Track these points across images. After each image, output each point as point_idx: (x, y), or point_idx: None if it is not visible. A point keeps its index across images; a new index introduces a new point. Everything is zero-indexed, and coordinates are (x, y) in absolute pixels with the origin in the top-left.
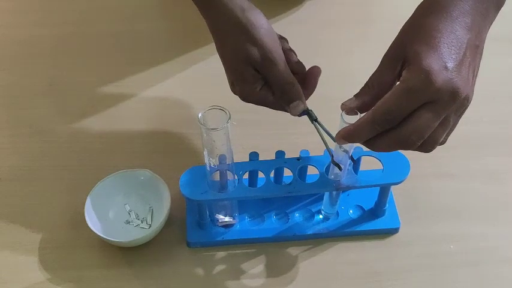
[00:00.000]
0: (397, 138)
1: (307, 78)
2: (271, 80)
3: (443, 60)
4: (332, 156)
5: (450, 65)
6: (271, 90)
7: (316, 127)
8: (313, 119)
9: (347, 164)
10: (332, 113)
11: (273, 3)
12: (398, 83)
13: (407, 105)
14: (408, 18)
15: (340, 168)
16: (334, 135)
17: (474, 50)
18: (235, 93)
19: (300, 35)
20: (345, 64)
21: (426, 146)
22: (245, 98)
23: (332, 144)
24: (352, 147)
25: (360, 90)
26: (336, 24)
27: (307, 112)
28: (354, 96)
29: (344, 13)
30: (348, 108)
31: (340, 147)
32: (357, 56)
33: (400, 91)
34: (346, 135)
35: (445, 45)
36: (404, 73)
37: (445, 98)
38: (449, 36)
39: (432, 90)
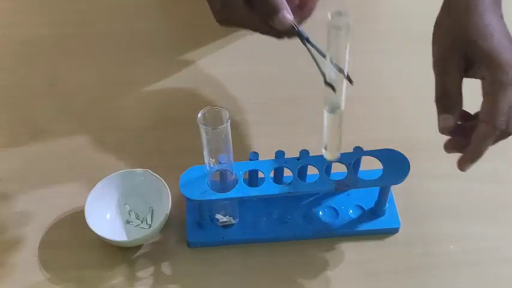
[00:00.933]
0: (503, 133)
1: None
2: None
3: (508, 47)
4: (325, 76)
5: None
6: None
7: (307, 48)
8: (304, 39)
9: (343, 85)
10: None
11: None
12: (486, 83)
13: (509, 100)
14: (436, 19)
15: (334, 90)
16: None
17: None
18: (215, 13)
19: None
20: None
21: None
22: (226, 16)
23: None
24: (346, 64)
25: (440, 105)
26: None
27: (297, 31)
28: (441, 113)
29: None
30: (450, 127)
31: (334, 65)
32: (358, 56)
33: (500, 91)
34: (473, 157)
35: (502, 35)
36: (487, 73)
37: None
38: (499, 27)
39: None
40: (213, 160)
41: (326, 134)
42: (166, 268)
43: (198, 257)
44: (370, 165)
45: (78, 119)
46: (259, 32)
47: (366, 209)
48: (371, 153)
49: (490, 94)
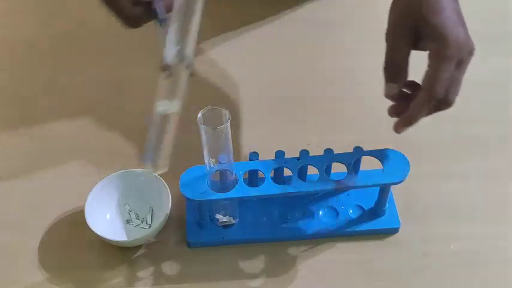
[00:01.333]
0: (443, 103)
1: None
2: None
3: (457, 25)
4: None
5: (462, 27)
6: None
7: (159, 30)
8: (160, 20)
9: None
10: (335, 112)
11: (273, 2)
12: (431, 55)
13: (450, 73)
14: None
15: (167, 71)
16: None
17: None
18: None
19: (300, 34)
20: (346, 64)
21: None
22: None
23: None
24: (191, 52)
25: (387, 74)
26: (336, 25)
27: (154, 12)
28: (387, 82)
29: (344, 13)
30: (394, 95)
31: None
32: (358, 56)
33: (442, 63)
34: (409, 121)
35: (453, 11)
36: (433, 46)
37: (467, 56)
38: (450, 4)
39: (462, 53)
40: (213, 160)
41: (153, 137)
42: (166, 268)
43: (198, 257)
44: (370, 165)
45: (77, 118)
46: (117, 10)
47: (365, 209)
48: (371, 153)
49: (433, 65)
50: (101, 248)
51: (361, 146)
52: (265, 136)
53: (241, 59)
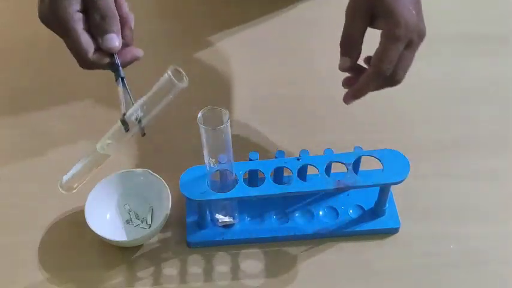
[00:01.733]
0: (390, 80)
1: (125, 50)
2: (95, 2)
3: (410, 9)
4: (124, 114)
5: (415, 11)
6: (89, 20)
7: (119, 86)
8: (120, 77)
9: (129, 135)
10: (335, 112)
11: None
12: (383, 34)
13: (398, 52)
14: None
15: (126, 130)
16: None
17: None
18: (40, 11)
19: (300, 33)
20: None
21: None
22: (50, 11)
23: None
24: (147, 120)
25: (342, 48)
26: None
27: (115, 64)
28: (342, 55)
29: (341, 12)
30: (347, 68)
31: (137, 118)
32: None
33: (391, 42)
34: (356, 93)
35: None
36: (385, 25)
37: (417, 39)
38: None
39: (411, 34)
40: (213, 160)
41: (79, 165)
42: (166, 268)
43: (198, 257)
44: (370, 165)
45: (77, 118)
46: (71, 49)
47: (366, 209)
48: (371, 153)
49: (383, 43)
50: (101, 248)
51: (361, 146)
52: (265, 136)
53: (241, 58)
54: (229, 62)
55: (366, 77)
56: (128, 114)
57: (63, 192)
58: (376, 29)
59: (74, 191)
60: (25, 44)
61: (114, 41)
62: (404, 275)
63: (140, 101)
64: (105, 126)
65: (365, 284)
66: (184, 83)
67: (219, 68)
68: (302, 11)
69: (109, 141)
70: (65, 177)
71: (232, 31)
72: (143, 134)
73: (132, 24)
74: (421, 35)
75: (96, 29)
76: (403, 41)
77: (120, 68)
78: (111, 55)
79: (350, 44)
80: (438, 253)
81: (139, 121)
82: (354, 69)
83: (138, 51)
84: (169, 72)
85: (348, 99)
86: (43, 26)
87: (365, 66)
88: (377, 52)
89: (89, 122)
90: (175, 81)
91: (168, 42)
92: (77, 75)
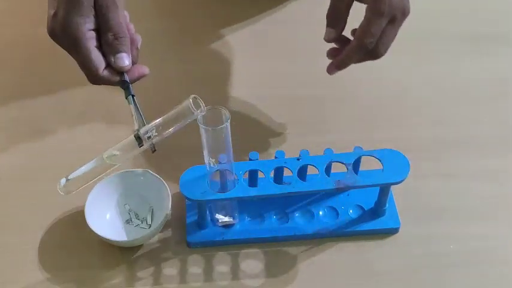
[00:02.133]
0: (372, 54)
1: (133, 67)
2: (109, 22)
3: None
4: (138, 130)
5: None
6: (101, 39)
7: (129, 103)
8: (130, 94)
9: (138, 149)
10: (335, 112)
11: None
12: (367, 9)
13: (381, 27)
14: None
15: (139, 145)
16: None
17: None
18: (51, 27)
19: (300, 32)
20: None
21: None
22: (65, 30)
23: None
24: (159, 139)
25: (328, 20)
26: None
27: (126, 82)
28: (328, 27)
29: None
30: (332, 39)
31: (149, 136)
32: None
33: (375, 17)
34: (339, 64)
35: None
36: (369, 1)
37: (400, 16)
38: None
39: (394, 11)
40: (213, 160)
41: (82, 170)
42: (166, 268)
43: (198, 257)
44: (370, 165)
45: (77, 117)
46: (82, 65)
47: (366, 209)
48: (371, 153)
49: (367, 18)
50: (101, 248)
51: (360, 145)
52: (265, 136)
53: (241, 57)
54: (229, 61)
55: (349, 49)
56: (142, 131)
57: (61, 193)
58: (362, 3)
59: (73, 193)
60: (25, 43)
61: (125, 60)
62: (404, 275)
63: (157, 122)
64: (106, 126)
65: (365, 284)
66: (202, 112)
67: (218, 67)
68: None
69: (116, 153)
70: (65, 180)
71: (231, 29)
72: (154, 151)
73: (139, 44)
74: (405, 12)
75: (109, 48)
76: (387, 16)
77: (130, 86)
78: (121, 73)
79: (336, 16)
80: (438, 253)
81: (150, 138)
82: (339, 41)
83: (145, 69)
84: (190, 100)
85: (332, 69)
86: (42, 25)
87: (351, 38)
88: (361, 26)
89: (88, 121)
90: (194, 110)
91: (166, 41)
92: (76, 75)
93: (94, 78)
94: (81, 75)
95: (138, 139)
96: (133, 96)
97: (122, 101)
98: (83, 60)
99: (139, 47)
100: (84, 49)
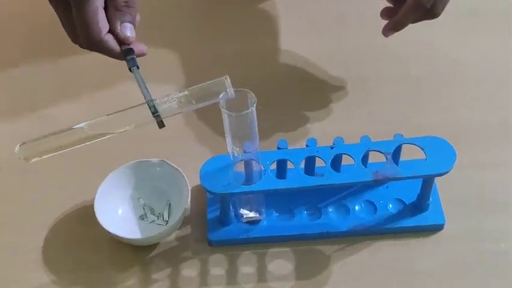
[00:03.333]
0: (429, 13)
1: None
2: None
3: None
4: (153, 100)
5: None
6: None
7: (134, 75)
8: (134, 65)
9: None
10: (370, 95)
11: None
12: None
13: None
14: None
15: (154, 114)
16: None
17: None
18: None
19: (325, 10)
20: (379, 41)
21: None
22: None
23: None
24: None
25: None
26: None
27: (130, 52)
28: None
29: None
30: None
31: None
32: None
33: None
34: (395, 25)
35: None
36: None
37: None
38: None
39: None
40: (237, 149)
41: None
42: (185, 269)
43: (221, 257)
44: (411, 154)
45: (85, 101)
46: (83, 25)
47: (407, 203)
48: (413, 141)
49: None
50: (112, 247)
51: (401, 133)
52: (296, 122)
53: (268, 35)
54: (255, 39)
55: (406, 8)
56: (159, 101)
57: (17, 156)
58: None
59: (31, 161)
60: (27, 21)
61: (132, 31)
62: (449, 276)
63: (180, 94)
64: (115, 109)
65: (406, 287)
66: (232, 96)
67: (242, 47)
68: None
69: (105, 121)
70: (27, 143)
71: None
72: (162, 126)
73: (137, 23)
74: None
75: (117, 14)
76: None
77: (135, 57)
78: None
79: None
80: (487, 252)
81: (156, 112)
82: (394, 0)
83: (144, 48)
84: (226, 78)
85: (387, 31)
86: (46, 5)
87: None
88: None
89: (96, 104)
90: (229, 89)
91: (185, 19)
92: (82, 53)
93: (92, 41)
94: (87, 53)
95: (153, 108)
96: (138, 67)
97: (134, 81)
98: (87, 19)
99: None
100: (92, 6)
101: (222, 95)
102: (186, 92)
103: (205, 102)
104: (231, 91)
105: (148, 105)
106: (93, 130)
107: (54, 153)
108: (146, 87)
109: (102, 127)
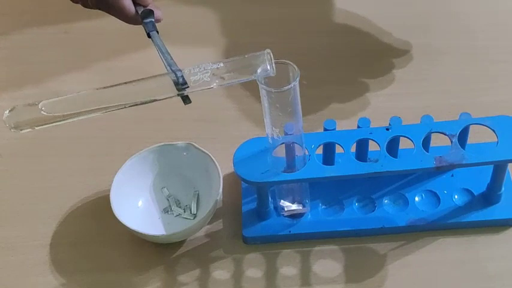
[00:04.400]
0: None
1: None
2: None
3: None
4: (182, 76)
5: None
6: None
7: (154, 41)
8: (153, 29)
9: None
10: (432, 68)
11: None
12: None
13: None
14: None
15: (182, 87)
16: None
17: None
18: None
19: None
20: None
21: None
22: None
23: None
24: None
25: None
26: None
27: (149, 13)
28: None
29: None
30: None
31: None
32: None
33: None
34: None
35: None
36: None
37: None
38: None
39: None
40: (277, 130)
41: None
42: (216, 271)
43: (258, 257)
44: (479, 137)
45: (101, 74)
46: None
47: (475, 194)
48: (482, 121)
49: None
50: (131, 244)
51: (469, 112)
52: (344, 98)
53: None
54: (304, 3)
55: None
56: (187, 71)
57: (6, 124)
58: None
59: (21, 132)
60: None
61: None
62: None
63: (213, 65)
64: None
65: None
66: (273, 73)
67: (291, 12)
68: None
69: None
70: (18, 107)
71: None
72: (188, 102)
73: None
74: None
75: None
76: None
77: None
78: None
79: None
80: None
81: (184, 83)
82: None
83: (160, 14)
84: (269, 52)
85: None
86: None
87: None
88: None
89: (112, 78)
90: (271, 64)
91: None
92: (96, 22)
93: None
94: (101, 22)
95: (181, 78)
96: (157, 32)
97: (155, 52)
98: None
99: None
100: None
101: (259, 70)
102: (221, 64)
103: (241, 78)
104: (272, 67)
105: (175, 75)
106: (99, 101)
107: (50, 124)
108: (170, 55)
109: (111, 97)
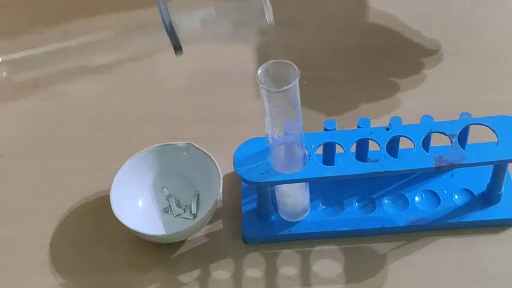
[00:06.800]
0: None
1: None
2: None
3: None
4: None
5: None
6: None
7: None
8: None
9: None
10: (433, 70)
11: None
12: None
13: None
14: None
15: (170, 31)
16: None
17: None
18: None
19: None
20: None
21: None
22: None
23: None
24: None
25: None
26: None
27: None
28: None
29: None
30: None
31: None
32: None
33: None
34: None
35: None
36: None
37: None
38: None
39: None
40: (278, 130)
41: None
42: (216, 271)
43: (258, 257)
44: (479, 137)
45: (100, 75)
46: None
47: (475, 194)
48: (482, 121)
49: None
50: (131, 244)
51: (469, 112)
52: (344, 98)
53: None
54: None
55: None
56: (176, 18)
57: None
58: None
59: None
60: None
61: None
62: None
63: (202, 11)
64: (135, 85)
65: None
66: (270, 23)
67: (285, 10)
68: None
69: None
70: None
71: None
72: (179, 51)
73: None
74: None
75: None
76: None
77: None
78: None
79: None
80: None
81: (172, 30)
82: None
83: None
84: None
85: None
86: None
87: None
88: None
89: (115, 78)
90: (267, 11)
91: None
92: (99, 17)
93: None
94: (104, 18)
95: (169, 26)
96: None
97: (159, 54)
98: None
99: None
100: None
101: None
102: (211, 9)
103: (235, 27)
104: (269, 16)
105: (164, 22)
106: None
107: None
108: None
109: (102, 44)
